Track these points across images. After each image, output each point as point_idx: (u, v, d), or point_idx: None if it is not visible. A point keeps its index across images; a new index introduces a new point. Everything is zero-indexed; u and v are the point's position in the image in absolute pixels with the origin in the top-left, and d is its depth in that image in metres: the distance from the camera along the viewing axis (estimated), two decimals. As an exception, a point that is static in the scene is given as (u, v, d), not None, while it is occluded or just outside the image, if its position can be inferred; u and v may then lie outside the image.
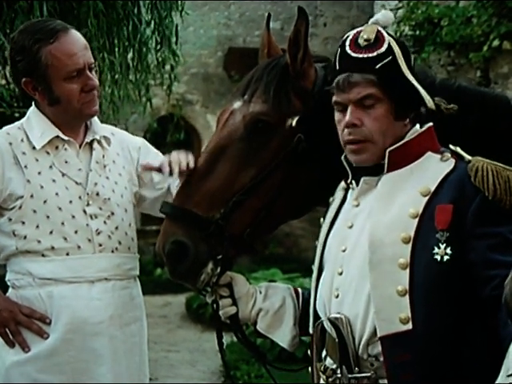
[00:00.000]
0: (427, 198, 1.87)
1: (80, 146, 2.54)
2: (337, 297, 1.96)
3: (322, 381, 2.04)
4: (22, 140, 2.48)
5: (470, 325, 1.84)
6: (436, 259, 1.82)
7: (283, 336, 2.22)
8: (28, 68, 2.43)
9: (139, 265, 2.65)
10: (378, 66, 1.92)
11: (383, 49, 1.93)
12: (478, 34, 7.61)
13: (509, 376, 1.53)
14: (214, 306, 2.24)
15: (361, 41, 1.95)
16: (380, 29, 1.96)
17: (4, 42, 4.67)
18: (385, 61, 1.93)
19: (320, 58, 2.31)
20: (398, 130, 1.95)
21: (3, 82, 5.10)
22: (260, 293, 2.24)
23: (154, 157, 2.69)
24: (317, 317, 2.05)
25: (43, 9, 4.64)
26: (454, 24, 7.85)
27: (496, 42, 7.43)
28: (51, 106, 2.48)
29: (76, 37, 2.47)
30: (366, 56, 1.94)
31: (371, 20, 2.00)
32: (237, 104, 2.26)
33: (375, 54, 1.93)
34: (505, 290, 1.53)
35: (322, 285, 2.03)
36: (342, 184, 2.09)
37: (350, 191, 2.06)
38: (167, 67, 6.22)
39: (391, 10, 8.04)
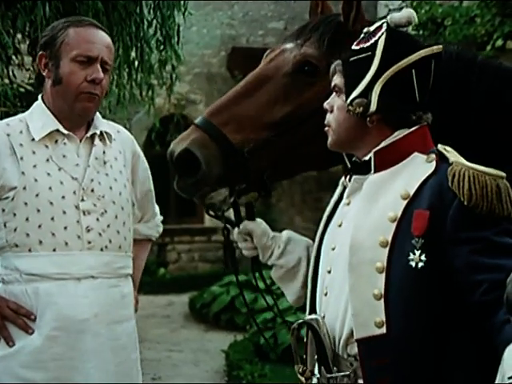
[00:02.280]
0: (406, 201, 1.83)
1: (80, 141, 2.53)
2: (325, 295, 1.96)
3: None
4: (21, 132, 2.48)
5: (453, 332, 1.79)
6: (411, 265, 1.79)
7: (292, 293, 2.25)
8: (47, 42, 2.50)
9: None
10: (351, 59, 1.94)
11: (368, 44, 1.93)
12: (481, 33, 7.59)
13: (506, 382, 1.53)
14: (225, 232, 2.33)
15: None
16: (384, 25, 1.93)
17: (8, 41, 4.67)
18: (360, 55, 1.92)
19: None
20: (358, 126, 1.92)
21: (7, 81, 5.11)
22: (278, 247, 2.25)
23: (143, 173, 2.73)
24: (313, 313, 2.02)
25: (46, 9, 4.64)
26: (458, 24, 7.84)
27: (499, 42, 7.41)
28: (54, 86, 2.49)
29: (102, 34, 2.52)
30: (354, 48, 1.96)
31: (388, 16, 1.96)
32: (289, 45, 2.30)
33: (359, 47, 1.94)
34: (507, 288, 1.53)
35: (318, 282, 2.02)
36: (342, 179, 2.07)
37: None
38: (168, 67, 6.21)
39: (394, 9, 8.03)
